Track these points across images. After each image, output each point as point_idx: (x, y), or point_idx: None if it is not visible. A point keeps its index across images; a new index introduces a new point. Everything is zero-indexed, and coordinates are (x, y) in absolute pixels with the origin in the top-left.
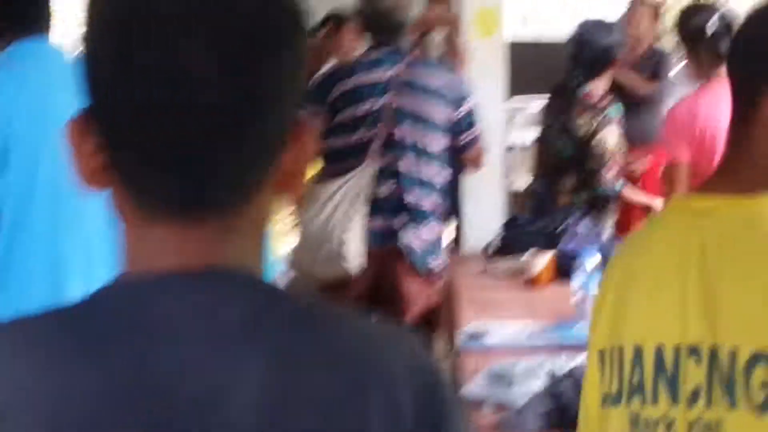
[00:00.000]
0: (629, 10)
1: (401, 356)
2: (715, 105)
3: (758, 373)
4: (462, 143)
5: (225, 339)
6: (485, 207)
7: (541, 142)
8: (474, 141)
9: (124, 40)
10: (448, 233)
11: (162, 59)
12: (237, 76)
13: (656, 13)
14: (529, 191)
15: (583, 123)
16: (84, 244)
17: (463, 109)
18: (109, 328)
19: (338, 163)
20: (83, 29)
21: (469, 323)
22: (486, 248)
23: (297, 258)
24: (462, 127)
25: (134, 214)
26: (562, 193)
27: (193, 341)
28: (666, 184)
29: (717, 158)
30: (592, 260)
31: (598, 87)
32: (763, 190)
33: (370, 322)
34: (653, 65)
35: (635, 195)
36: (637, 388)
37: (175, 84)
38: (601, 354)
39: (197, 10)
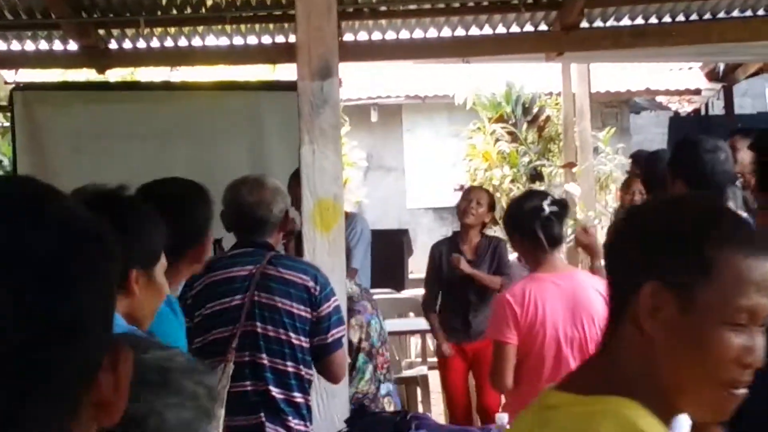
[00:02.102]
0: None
1: None
2: (543, 293)
3: None
4: (327, 341)
5: None
6: (331, 396)
7: None
8: (337, 343)
9: None
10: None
11: None
12: (32, 310)
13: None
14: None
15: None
16: None
17: (325, 308)
18: None
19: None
20: None
21: None
22: None
23: None
24: (324, 325)
25: None
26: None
27: None
28: (493, 362)
29: (548, 345)
30: None
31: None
32: (616, 391)
33: None
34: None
35: None
36: None
37: None
38: None
39: None
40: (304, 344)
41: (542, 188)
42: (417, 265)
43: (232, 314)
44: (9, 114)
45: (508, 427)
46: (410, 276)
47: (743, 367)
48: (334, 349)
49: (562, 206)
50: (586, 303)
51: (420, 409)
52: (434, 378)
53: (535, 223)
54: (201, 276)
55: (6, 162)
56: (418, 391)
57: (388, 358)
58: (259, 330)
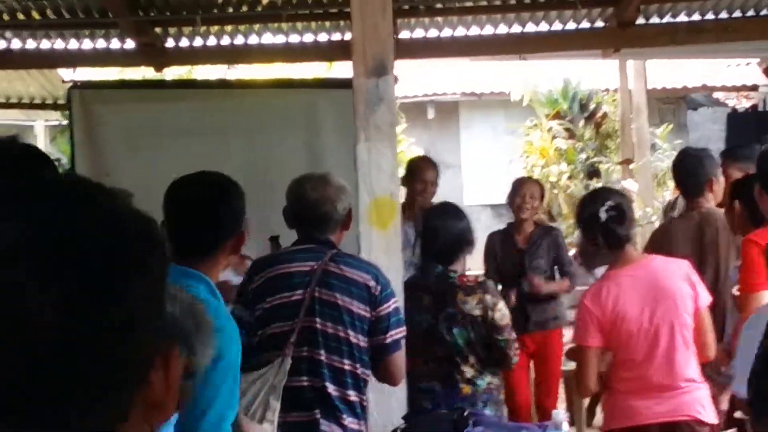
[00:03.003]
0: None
1: None
2: (619, 288)
3: None
4: (385, 342)
5: None
6: (390, 394)
7: (423, 342)
8: (395, 345)
9: None
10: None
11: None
12: (80, 310)
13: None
14: (422, 392)
15: (474, 304)
16: None
17: (385, 308)
18: None
19: (254, 352)
20: None
21: None
22: None
23: None
24: (383, 325)
25: None
26: (462, 383)
27: None
28: (577, 367)
29: (635, 337)
30: None
31: (458, 268)
32: None
33: None
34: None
35: None
36: None
37: (14, 320)
38: None
39: (36, 244)
40: (362, 343)
41: (600, 185)
42: (475, 262)
43: (292, 309)
44: (67, 112)
45: (565, 424)
46: (468, 272)
47: None
48: (393, 351)
49: (620, 211)
50: (666, 288)
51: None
52: None
53: (595, 229)
54: (262, 270)
55: (64, 160)
56: None
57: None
58: (318, 326)
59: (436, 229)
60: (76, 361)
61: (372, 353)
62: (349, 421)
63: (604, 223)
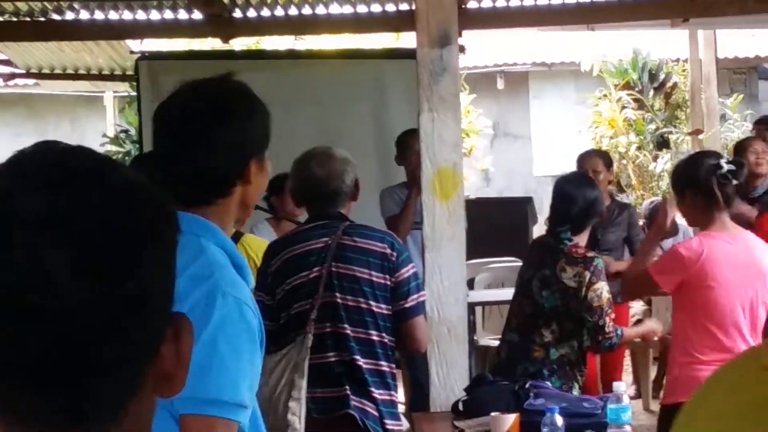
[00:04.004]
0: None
1: None
2: (716, 251)
3: None
4: (406, 306)
5: None
6: (451, 365)
7: (520, 294)
8: (417, 308)
9: None
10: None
11: (19, 266)
12: (96, 282)
13: None
14: (504, 342)
15: (572, 275)
16: None
17: (403, 273)
18: None
19: (280, 333)
20: None
21: None
22: (454, 407)
23: None
24: (403, 290)
25: (3, 428)
26: (537, 346)
27: None
28: (632, 281)
29: (721, 304)
30: (561, 417)
31: (582, 239)
32: None
33: None
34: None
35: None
36: None
37: (30, 290)
38: None
39: (55, 215)
40: (385, 311)
41: (668, 156)
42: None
43: (311, 287)
44: (135, 83)
45: (625, 396)
46: None
47: None
48: (416, 314)
49: (740, 165)
50: (759, 265)
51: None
52: None
53: (712, 180)
54: (278, 253)
55: (133, 131)
56: None
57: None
58: (338, 300)
59: (571, 195)
60: (87, 330)
61: (394, 319)
62: (379, 393)
63: (725, 174)
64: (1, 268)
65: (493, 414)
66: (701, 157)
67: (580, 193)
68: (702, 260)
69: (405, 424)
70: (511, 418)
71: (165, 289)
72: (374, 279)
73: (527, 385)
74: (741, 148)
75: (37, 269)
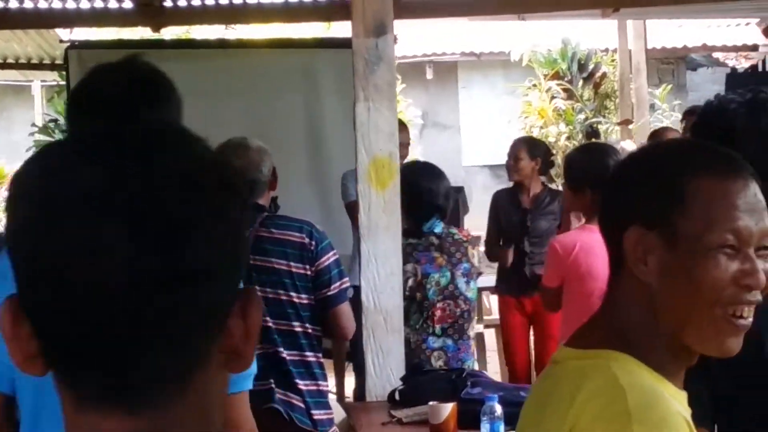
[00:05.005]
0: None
1: None
2: (591, 244)
3: None
4: (329, 294)
5: None
6: (387, 354)
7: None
8: (341, 295)
9: (43, 219)
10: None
11: (80, 239)
12: (158, 255)
13: None
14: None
15: (477, 258)
16: None
17: (324, 261)
18: None
19: None
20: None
21: None
22: (390, 397)
23: None
24: (325, 278)
25: (71, 401)
26: (471, 339)
27: None
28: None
29: (594, 297)
30: (500, 406)
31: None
32: (615, 344)
33: None
34: None
35: None
36: None
37: (92, 263)
38: None
39: (116, 189)
40: (306, 302)
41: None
42: (473, 223)
43: None
44: (64, 72)
45: None
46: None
47: (741, 288)
48: (339, 301)
49: None
50: None
51: (476, 366)
52: (489, 336)
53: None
54: None
55: (61, 120)
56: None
57: (453, 314)
58: (258, 293)
59: (429, 188)
60: (148, 305)
61: (318, 308)
62: (305, 384)
63: None
64: (64, 243)
65: (431, 403)
66: (598, 154)
67: (437, 185)
68: (575, 252)
69: (341, 413)
70: (449, 407)
71: (229, 264)
72: (293, 270)
73: (464, 375)
74: (656, 136)
75: (97, 243)
